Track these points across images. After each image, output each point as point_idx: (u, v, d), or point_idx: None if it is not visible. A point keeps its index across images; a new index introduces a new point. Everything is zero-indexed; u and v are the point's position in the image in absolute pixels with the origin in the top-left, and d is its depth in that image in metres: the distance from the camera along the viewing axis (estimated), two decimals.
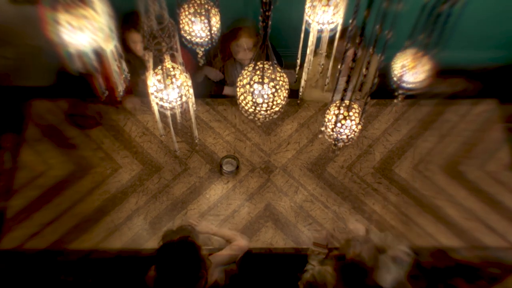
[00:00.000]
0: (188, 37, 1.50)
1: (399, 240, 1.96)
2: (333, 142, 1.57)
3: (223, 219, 2.37)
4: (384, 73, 1.47)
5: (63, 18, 0.71)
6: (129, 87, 2.62)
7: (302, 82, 1.76)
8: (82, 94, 2.62)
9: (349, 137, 1.52)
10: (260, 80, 1.23)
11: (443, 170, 2.55)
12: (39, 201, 2.43)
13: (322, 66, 1.81)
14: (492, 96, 2.80)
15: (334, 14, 1.26)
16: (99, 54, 0.86)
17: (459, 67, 3.13)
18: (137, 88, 2.69)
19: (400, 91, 1.42)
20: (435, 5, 1.07)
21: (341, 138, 1.53)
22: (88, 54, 0.82)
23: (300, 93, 2.65)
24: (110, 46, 0.84)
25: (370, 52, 1.14)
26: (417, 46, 1.28)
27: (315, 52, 1.64)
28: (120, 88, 1.08)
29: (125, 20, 2.40)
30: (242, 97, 1.27)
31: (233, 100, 2.74)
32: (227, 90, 2.85)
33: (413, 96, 1.63)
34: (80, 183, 2.50)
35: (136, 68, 2.54)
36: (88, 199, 2.44)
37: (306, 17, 1.40)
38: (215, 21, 1.52)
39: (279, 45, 2.73)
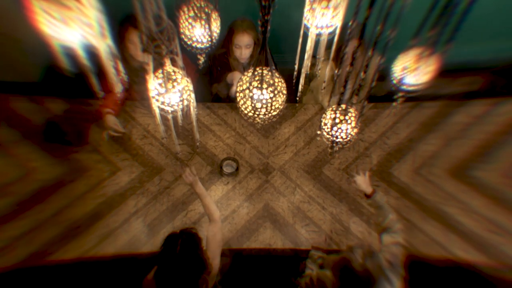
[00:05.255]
0: (189, 42, 1.44)
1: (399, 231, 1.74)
2: (330, 144, 1.51)
3: (223, 219, 2.29)
4: (384, 75, 1.40)
5: (39, 5, 0.63)
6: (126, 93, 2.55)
7: (300, 87, 1.70)
8: (67, 94, 2.45)
9: (345, 140, 1.46)
10: (259, 86, 1.17)
11: (450, 175, 2.38)
12: (10, 210, 2.17)
13: (319, 72, 1.76)
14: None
15: (333, 17, 1.20)
16: (93, 52, 0.78)
17: (482, 63, 2.78)
18: (133, 97, 2.59)
19: (400, 94, 1.33)
20: None
21: (338, 141, 1.47)
22: (78, 51, 0.74)
23: (298, 98, 2.60)
24: (103, 45, 0.77)
25: (369, 55, 1.08)
26: (423, 44, 1.14)
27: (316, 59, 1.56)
28: (118, 89, 1.02)
29: (123, 21, 2.29)
30: (241, 102, 1.21)
31: (233, 105, 2.66)
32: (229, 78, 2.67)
33: (416, 98, 1.51)
34: (70, 187, 2.27)
35: (132, 81, 2.44)
36: (79, 203, 2.25)
37: (304, 22, 1.34)
38: (216, 26, 1.46)
39: (277, 51, 2.68)
